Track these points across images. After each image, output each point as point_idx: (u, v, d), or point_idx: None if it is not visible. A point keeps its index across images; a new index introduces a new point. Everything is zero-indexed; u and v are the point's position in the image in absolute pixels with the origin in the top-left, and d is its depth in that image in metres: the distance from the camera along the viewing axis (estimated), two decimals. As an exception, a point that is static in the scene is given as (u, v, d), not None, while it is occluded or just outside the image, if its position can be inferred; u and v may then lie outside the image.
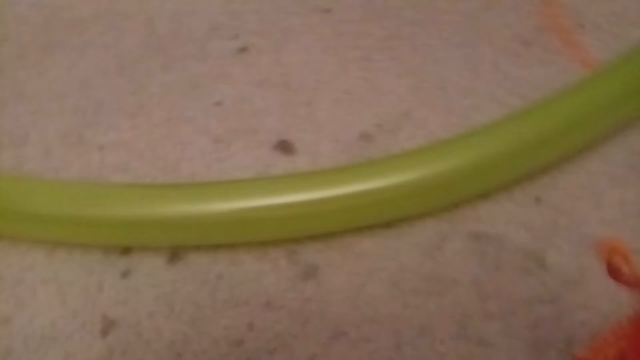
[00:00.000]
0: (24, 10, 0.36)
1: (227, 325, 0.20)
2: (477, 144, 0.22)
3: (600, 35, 0.29)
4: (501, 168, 0.22)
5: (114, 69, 0.33)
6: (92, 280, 0.23)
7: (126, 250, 0.23)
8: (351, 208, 0.22)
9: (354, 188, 0.22)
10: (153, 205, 0.23)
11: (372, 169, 0.23)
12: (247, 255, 0.22)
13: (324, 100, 0.29)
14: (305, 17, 0.35)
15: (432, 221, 0.22)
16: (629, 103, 0.23)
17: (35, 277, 0.23)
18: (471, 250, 0.21)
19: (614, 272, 0.14)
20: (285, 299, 0.21)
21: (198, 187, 0.23)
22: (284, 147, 0.27)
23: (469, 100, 0.27)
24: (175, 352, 0.20)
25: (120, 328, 0.21)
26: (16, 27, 0.35)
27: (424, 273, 0.21)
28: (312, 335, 0.20)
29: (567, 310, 0.19)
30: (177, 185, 0.24)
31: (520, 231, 0.21)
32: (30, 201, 0.23)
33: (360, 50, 0.31)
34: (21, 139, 0.28)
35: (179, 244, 0.23)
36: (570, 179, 0.23)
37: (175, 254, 0.23)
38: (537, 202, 0.22)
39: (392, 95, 0.28)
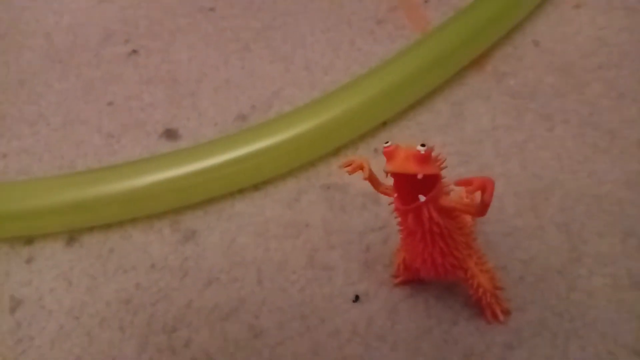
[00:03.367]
0: None
1: (117, 288, 0.25)
2: (324, 109, 0.27)
3: (441, 8, 0.34)
4: (345, 128, 0.27)
5: (15, 83, 0.36)
6: (0, 270, 0.26)
7: (29, 241, 0.27)
8: (223, 176, 0.27)
9: (225, 158, 0.26)
10: (49, 195, 0.26)
11: (239, 140, 0.27)
12: (135, 229, 0.26)
13: (206, 90, 0.33)
14: (191, 17, 0.39)
15: (293, 180, 0.27)
16: (449, 61, 0.28)
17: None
18: (323, 198, 0.26)
19: (372, 182, 0.19)
20: (167, 260, 0.25)
21: (87, 174, 0.27)
22: (170, 134, 0.31)
23: (329, 77, 0.32)
24: (74, 316, 0.24)
25: (26, 304, 0.25)
26: None
27: (283, 222, 0.25)
28: (189, 286, 0.24)
29: (392, 233, 0.24)
30: (68, 175, 0.28)
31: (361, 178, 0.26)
32: None
33: (239, 42, 0.36)
34: None
35: (75, 227, 0.27)
36: (404, 132, 0.28)
37: (72, 237, 0.27)
38: (375, 152, 0.27)
39: (264, 79, 0.33)
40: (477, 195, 0.17)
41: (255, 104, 0.31)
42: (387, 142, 0.17)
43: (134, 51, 0.36)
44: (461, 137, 0.28)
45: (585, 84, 0.29)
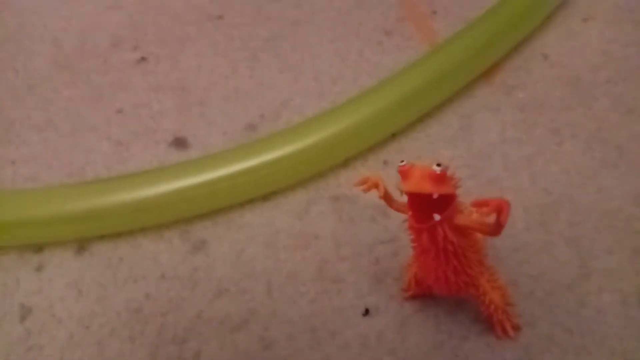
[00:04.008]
0: None
1: (128, 298, 0.25)
2: (334, 120, 0.27)
3: (449, 19, 0.34)
4: (355, 139, 0.27)
5: (24, 89, 0.36)
6: (9, 277, 0.26)
7: (39, 249, 0.27)
8: (233, 186, 0.27)
9: (235, 168, 0.26)
10: (59, 203, 0.26)
11: (248, 150, 0.27)
12: (145, 239, 0.27)
13: (215, 98, 0.33)
14: (199, 24, 0.39)
15: (302, 191, 0.27)
16: (458, 74, 0.29)
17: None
18: (332, 210, 0.26)
19: (387, 200, 0.19)
20: (177, 270, 0.25)
21: (98, 183, 0.27)
22: (179, 143, 0.31)
23: (338, 87, 0.32)
24: (84, 325, 0.24)
25: (36, 313, 0.25)
26: None
27: (293, 233, 0.26)
28: (199, 296, 0.24)
29: (402, 246, 0.24)
30: (78, 183, 0.28)
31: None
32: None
33: (248, 51, 0.36)
34: None
35: (85, 236, 0.27)
36: (413, 143, 0.28)
37: (81, 246, 0.27)
38: (384, 164, 0.27)
39: (273, 88, 0.33)
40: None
41: (264, 113, 0.32)
42: (402, 161, 0.17)
43: (143, 58, 0.36)
44: (470, 150, 0.28)
45: (593, 99, 0.29)
